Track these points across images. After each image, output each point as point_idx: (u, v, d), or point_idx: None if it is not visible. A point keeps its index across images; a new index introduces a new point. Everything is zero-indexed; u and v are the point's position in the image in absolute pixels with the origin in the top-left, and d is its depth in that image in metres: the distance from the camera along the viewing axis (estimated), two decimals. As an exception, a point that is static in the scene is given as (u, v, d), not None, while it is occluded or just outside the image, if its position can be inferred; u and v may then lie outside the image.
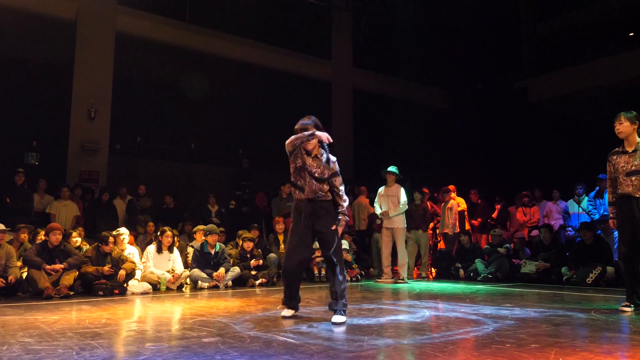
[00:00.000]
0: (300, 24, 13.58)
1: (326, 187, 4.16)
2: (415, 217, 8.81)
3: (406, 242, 8.37)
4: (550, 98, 13.56)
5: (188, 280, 7.19)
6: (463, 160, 13.96)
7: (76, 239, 7.04)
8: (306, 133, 4.02)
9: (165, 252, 7.14)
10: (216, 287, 7.03)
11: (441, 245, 9.88)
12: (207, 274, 7.06)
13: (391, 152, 13.58)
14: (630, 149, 4.60)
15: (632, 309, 4.42)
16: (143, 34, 11.41)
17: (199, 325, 3.76)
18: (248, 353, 2.80)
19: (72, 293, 6.01)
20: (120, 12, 11.07)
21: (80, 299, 5.75)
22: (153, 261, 7.04)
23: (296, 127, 4.11)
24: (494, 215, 10.23)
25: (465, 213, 9.81)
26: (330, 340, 3.14)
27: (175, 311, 4.95)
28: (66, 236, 6.86)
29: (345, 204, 4.23)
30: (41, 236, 6.86)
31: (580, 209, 8.90)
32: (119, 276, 6.35)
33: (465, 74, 14.96)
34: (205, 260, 7.25)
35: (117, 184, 9.99)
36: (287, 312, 4.17)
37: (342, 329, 3.64)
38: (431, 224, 9.85)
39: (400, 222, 7.95)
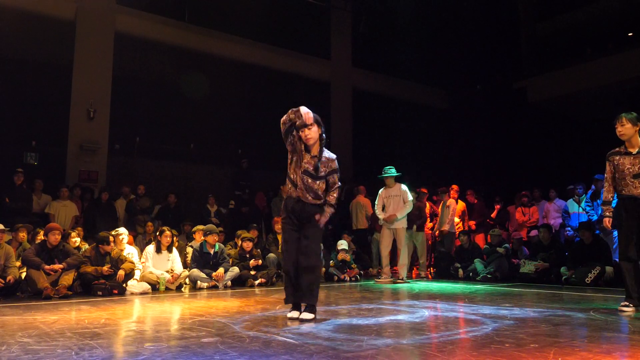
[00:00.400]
0: (300, 24, 13.58)
1: (322, 185, 4.09)
2: (411, 217, 8.81)
3: None
4: (549, 98, 13.56)
5: (187, 280, 7.19)
6: (462, 160, 13.97)
7: (75, 239, 7.04)
8: (298, 109, 3.99)
9: (165, 252, 7.13)
10: (215, 287, 7.02)
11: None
12: (206, 274, 7.06)
13: (390, 152, 13.59)
14: (634, 150, 4.57)
15: (633, 308, 4.41)
16: (142, 34, 11.41)
17: (198, 325, 3.76)
18: (247, 353, 2.80)
19: (71, 293, 6.00)
20: (119, 12, 11.06)
21: (79, 299, 5.75)
22: (152, 261, 7.04)
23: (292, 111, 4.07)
24: (493, 215, 10.24)
25: (465, 212, 9.81)
26: (329, 340, 3.14)
27: (174, 311, 4.94)
28: (65, 236, 6.86)
29: (334, 197, 4.14)
30: (40, 236, 6.85)
31: (581, 208, 8.91)
32: (118, 276, 6.34)
33: (464, 74, 14.96)
34: (204, 260, 7.25)
35: (118, 184, 9.99)
36: (294, 314, 4.10)
37: (341, 327, 3.64)
38: (430, 224, 9.85)
39: (402, 222, 7.94)
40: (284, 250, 4.24)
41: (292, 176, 4.12)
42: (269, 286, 7.32)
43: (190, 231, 8.37)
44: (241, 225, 8.96)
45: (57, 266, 6.07)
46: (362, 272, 8.98)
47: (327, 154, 4.16)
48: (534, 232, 8.75)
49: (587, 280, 7.04)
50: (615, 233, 6.48)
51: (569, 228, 8.79)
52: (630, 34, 13.42)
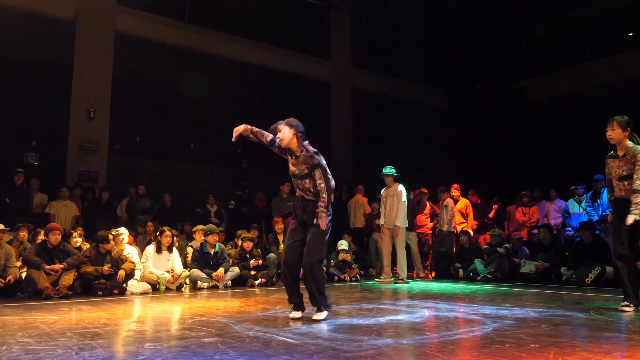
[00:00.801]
0: (300, 24, 13.58)
1: (312, 182, 4.06)
2: (408, 217, 8.79)
3: None
4: (549, 98, 13.56)
5: (187, 280, 7.19)
6: (462, 160, 13.96)
7: (77, 240, 7.04)
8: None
9: (165, 252, 7.13)
10: (215, 287, 7.02)
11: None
12: (207, 274, 7.06)
13: (390, 152, 13.58)
14: (621, 154, 4.67)
15: (633, 308, 4.42)
16: (142, 34, 11.41)
17: (199, 325, 3.76)
18: (247, 353, 2.80)
19: (71, 293, 6.00)
20: (119, 12, 11.06)
21: (80, 299, 5.75)
22: (152, 261, 7.04)
23: (272, 126, 4.14)
24: (491, 215, 10.23)
25: (467, 212, 9.80)
26: (330, 340, 3.14)
27: (174, 311, 4.95)
28: (67, 236, 6.86)
29: (324, 198, 3.99)
30: (41, 236, 6.85)
31: (581, 208, 8.91)
32: (118, 276, 6.34)
33: (464, 74, 14.96)
34: (204, 260, 7.25)
35: (118, 184, 9.98)
36: (296, 314, 4.13)
37: (340, 327, 3.64)
38: (431, 224, 9.85)
39: (402, 222, 7.92)
40: (284, 249, 4.27)
41: (292, 180, 4.23)
42: (269, 286, 7.33)
43: (191, 231, 8.37)
44: (241, 225, 8.96)
45: (58, 266, 6.07)
46: (362, 272, 8.98)
47: (306, 150, 4.06)
48: (534, 232, 8.75)
49: (588, 280, 7.04)
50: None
51: (570, 228, 8.79)
52: (630, 34, 13.42)
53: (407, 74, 15.17)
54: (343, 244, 8.65)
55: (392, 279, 7.99)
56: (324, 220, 3.99)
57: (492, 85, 14.72)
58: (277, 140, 4.08)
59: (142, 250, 7.55)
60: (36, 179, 8.83)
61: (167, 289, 6.85)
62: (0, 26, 9.52)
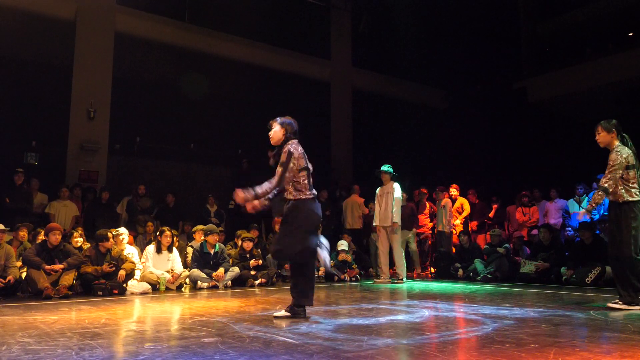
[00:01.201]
0: (300, 24, 13.57)
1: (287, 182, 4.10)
2: (403, 218, 8.80)
3: None
4: (549, 98, 13.55)
5: (187, 280, 7.19)
6: (462, 160, 13.95)
7: (78, 239, 7.03)
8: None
9: (165, 252, 7.14)
10: (215, 287, 7.03)
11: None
12: (207, 274, 7.06)
13: (390, 152, 13.58)
14: None
15: (622, 304, 4.50)
16: (142, 34, 11.40)
17: (199, 326, 3.76)
18: (247, 353, 2.80)
19: (71, 293, 6.01)
20: (119, 12, 11.05)
21: (80, 299, 5.75)
22: (152, 261, 7.05)
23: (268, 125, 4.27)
24: (491, 214, 10.23)
25: (462, 209, 9.80)
26: (329, 340, 3.14)
27: (174, 311, 4.95)
28: (67, 236, 6.86)
29: (265, 186, 4.07)
30: (41, 236, 6.86)
31: (581, 208, 8.91)
32: (118, 276, 6.34)
33: (464, 74, 14.95)
34: (204, 260, 7.25)
35: (118, 184, 9.96)
36: (279, 313, 4.22)
37: (339, 327, 3.64)
38: (431, 224, 9.85)
39: (395, 217, 7.91)
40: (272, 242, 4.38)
41: None
42: (269, 286, 7.33)
43: (191, 231, 8.37)
44: (241, 225, 8.96)
45: (58, 266, 6.07)
46: (362, 272, 8.98)
47: (282, 147, 4.20)
48: (534, 232, 8.75)
49: (587, 280, 7.04)
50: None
51: (570, 228, 8.79)
52: (630, 34, 13.42)
53: (407, 74, 15.17)
54: (343, 244, 8.66)
55: (391, 278, 8.00)
56: (238, 194, 4.03)
57: (492, 85, 14.71)
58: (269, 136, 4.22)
59: (142, 250, 7.55)
60: (36, 179, 8.83)
61: (167, 289, 6.85)
62: (0, 26, 9.52)
